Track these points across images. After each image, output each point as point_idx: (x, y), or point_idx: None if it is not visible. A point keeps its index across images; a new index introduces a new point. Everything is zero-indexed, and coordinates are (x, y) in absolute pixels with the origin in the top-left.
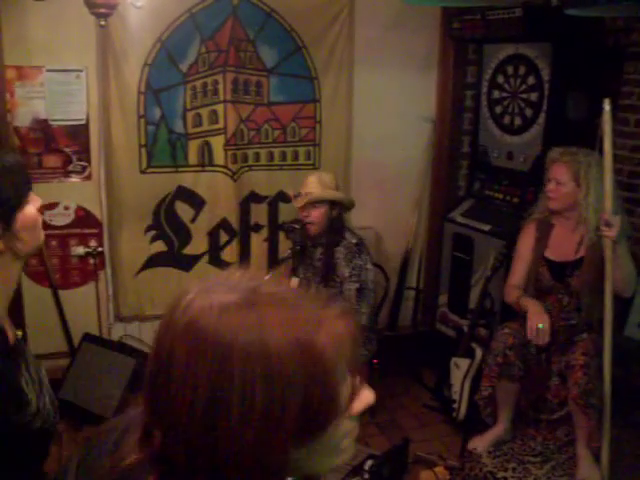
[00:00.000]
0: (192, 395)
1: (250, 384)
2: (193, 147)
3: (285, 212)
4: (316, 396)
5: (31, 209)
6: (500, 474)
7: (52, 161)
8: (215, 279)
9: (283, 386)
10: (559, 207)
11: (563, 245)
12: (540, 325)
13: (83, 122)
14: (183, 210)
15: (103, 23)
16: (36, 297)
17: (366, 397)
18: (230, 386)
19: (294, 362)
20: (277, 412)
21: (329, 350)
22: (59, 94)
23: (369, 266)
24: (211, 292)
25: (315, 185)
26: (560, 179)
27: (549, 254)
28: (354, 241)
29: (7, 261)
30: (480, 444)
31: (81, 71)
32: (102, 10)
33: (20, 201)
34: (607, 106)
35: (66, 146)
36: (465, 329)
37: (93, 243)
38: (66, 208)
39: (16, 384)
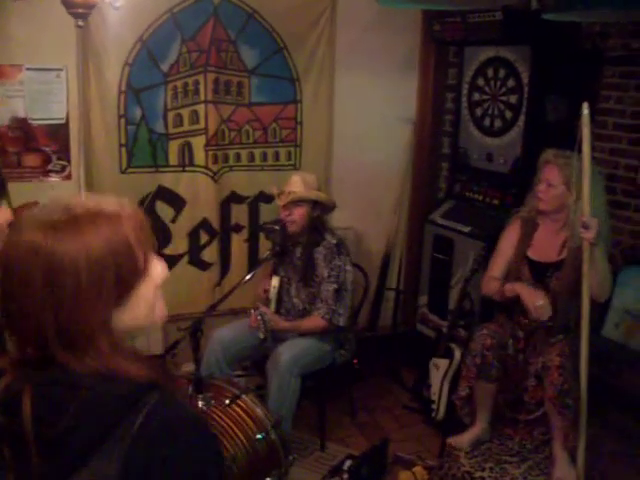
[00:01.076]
0: (36, 289)
1: (77, 273)
2: (174, 147)
3: (266, 213)
4: (125, 269)
5: None
6: (478, 474)
7: (31, 160)
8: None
9: (101, 268)
10: (547, 208)
11: (546, 246)
12: (539, 302)
13: (63, 121)
14: (163, 210)
15: (81, 23)
16: None
17: (161, 269)
18: (64, 276)
19: (107, 249)
20: (99, 285)
21: (131, 237)
22: (39, 93)
23: (348, 267)
24: (38, 216)
25: (299, 184)
26: (551, 181)
27: (531, 253)
28: (334, 241)
29: None
30: (459, 443)
31: (61, 70)
32: (80, 10)
33: None
34: (585, 110)
35: (46, 145)
36: (444, 330)
37: None
38: None
39: None
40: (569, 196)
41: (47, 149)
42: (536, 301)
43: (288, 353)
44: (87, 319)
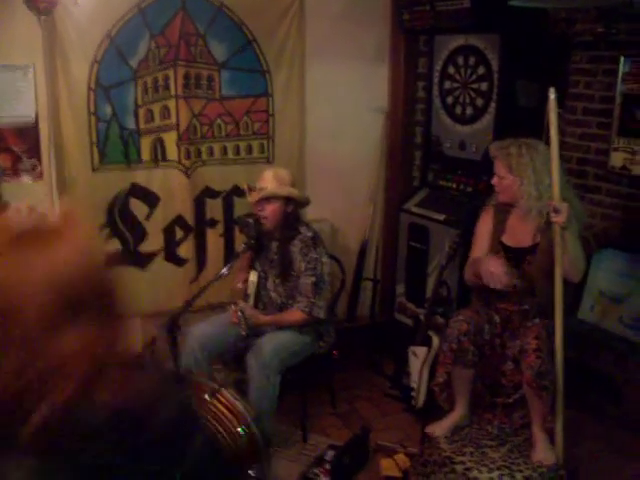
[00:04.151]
0: None
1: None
2: (145, 143)
3: (240, 207)
4: None
5: None
6: (458, 458)
7: (0, 160)
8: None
9: None
10: (505, 199)
11: (519, 231)
12: (491, 269)
13: (32, 120)
14: (137, 207)
15: (44, 18)
16: None
17: None
18: None
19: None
20: None
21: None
22: (6, 92)
23: (324, 259)
24: None
25: (270, 180)
26: (499, 173)
27: (505, 240)
28: (309, 234)
29: None
30: (438, 430)
31: (28, 68)
32: (41, 5)
33: None
34: (552, 95)
35: (15, 145)
36: (422, 318)
37: None
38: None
39: None
40: (515, 183)
41: (16, 149)
42: (489, 267)
43: (269, 344)
44: None
